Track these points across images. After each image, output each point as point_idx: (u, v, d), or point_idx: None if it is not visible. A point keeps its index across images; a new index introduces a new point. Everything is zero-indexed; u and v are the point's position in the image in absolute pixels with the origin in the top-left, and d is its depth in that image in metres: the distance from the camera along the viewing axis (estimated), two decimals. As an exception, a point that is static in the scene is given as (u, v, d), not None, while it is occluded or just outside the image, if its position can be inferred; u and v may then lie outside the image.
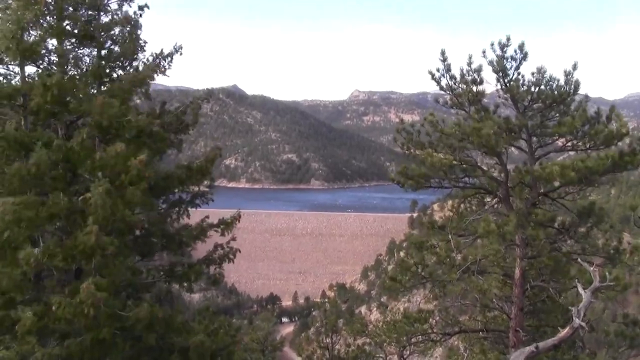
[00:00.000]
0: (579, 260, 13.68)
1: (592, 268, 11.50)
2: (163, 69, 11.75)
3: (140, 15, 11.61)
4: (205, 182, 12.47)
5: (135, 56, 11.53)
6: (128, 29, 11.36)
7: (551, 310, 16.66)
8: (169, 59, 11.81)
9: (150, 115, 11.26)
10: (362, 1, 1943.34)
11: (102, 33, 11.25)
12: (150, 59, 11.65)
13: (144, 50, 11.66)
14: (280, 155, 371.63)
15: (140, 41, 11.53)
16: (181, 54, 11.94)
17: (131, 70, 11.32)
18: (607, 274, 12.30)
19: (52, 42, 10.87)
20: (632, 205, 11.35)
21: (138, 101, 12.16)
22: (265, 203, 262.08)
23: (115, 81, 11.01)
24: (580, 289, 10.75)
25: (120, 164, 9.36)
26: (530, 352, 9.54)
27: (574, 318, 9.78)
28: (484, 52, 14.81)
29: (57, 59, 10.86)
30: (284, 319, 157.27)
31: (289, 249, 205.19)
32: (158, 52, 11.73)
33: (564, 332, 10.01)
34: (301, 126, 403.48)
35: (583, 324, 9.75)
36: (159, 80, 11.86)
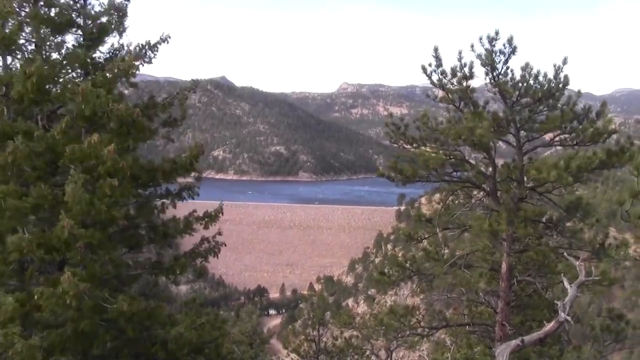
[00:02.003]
0: (565, 254, 13.74)
1: (577, 263, 11.54)
2: (148, 59, 11.68)
3: (126, 6, 11.52)
4: (193, 175, 12.41)
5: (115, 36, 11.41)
6: (115, 16, 11.23)
7: (537, 304, 16.74)
8: (155, 49, 11.73)
9: (134, 104, 11.12)
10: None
11: (89, 22, 11.13)
12: (137, 49, 11.56)
13: (125, 34, 11.53)
14: (269, 147, 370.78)
15: (123, 28, 11.41)
16: (168, 42, 11.84)
17: (116, 59, 11.18)
18: (592, 268, 12.36)
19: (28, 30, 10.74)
20: (619, 200, 11.36)
21: (126, 91, 12.05)
22: (250, 196, 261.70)
23: (99, 70, 10.90)
24: (566, 284, 10.79)
25: (97, 155, 9.27)
26: (516, 346, 9.55)
27: (559, 312, 9.80)
28: (472, 46, 14.79)
29: (35, 48, 10.73)
30: (271, 311, 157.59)
31: (276, 241, 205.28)
32: (144, 42, 11.64)
33: (549, 326, 10.04)
34: (289, 118, 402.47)
35: (568, 318, 9.77)
36: (148, 71, 11.86)
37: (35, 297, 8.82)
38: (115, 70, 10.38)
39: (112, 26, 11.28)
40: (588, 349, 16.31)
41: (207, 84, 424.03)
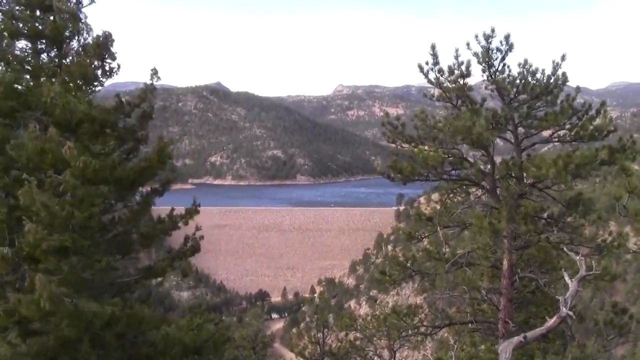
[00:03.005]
0: (565, 250, 13.73)
1: (578, 257, 11.54)
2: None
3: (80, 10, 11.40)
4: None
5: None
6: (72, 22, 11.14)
7: (540, 301, 16.72)
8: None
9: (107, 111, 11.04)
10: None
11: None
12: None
13: (87, 35, 11.41)
14: (266, 152, 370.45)
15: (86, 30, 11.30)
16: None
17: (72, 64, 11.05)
18: (593, 263, 12.34)
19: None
20: (616, 195, 11.39)
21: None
22: (249, 201, 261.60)
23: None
24: (566, 279, 10.77)
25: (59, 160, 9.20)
26: (518, 342, 9.53)
27: (561, 307, 9.79)
28: (468, 44, 14.79)
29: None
30: (274, 315, 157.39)
31: (276, 244, 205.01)
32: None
33: (551, 322, 10.01)
34: (286, 122, 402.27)
35: (570, 313, 9.75)
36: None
37: (11, 303, 8.79)
38: (73, 73, 10.26)
39: (73, 32, 11.15)
40: (592, 343, 16.28)
41: (202, 90, 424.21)
